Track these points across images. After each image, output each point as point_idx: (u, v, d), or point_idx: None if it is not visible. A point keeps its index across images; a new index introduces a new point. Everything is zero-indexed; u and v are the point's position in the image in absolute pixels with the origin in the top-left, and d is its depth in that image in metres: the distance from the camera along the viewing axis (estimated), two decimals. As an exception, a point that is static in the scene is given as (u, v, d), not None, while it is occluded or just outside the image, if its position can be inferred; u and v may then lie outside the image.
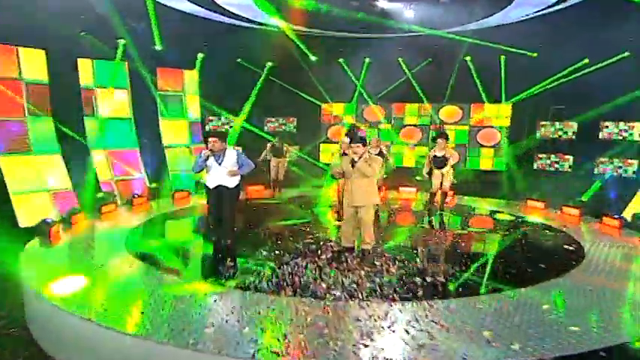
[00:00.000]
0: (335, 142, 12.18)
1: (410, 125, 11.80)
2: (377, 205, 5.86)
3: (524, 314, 4.06)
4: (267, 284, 4.70)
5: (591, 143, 9.47)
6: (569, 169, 10.05)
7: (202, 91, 11.11)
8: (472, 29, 9.50)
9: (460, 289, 4.70)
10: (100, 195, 8.74)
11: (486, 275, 5.17)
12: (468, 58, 10.63)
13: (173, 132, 10.77)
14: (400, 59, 11.23)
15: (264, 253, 5.86)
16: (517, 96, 10.56)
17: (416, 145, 11.78)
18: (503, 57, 10.20)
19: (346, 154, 7.54)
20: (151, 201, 9.27)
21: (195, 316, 3.90)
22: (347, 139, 7.74)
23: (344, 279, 4.86)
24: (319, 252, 5.87)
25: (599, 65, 9.01)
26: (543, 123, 10.46)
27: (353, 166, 5.48)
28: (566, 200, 8.93)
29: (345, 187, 5.74)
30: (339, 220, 7.62)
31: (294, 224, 7.61)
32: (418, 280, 4.92)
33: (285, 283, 4.71)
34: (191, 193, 9.95)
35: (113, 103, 9.60)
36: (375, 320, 3.90)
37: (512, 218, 8.52)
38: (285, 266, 5.26)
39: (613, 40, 8.04)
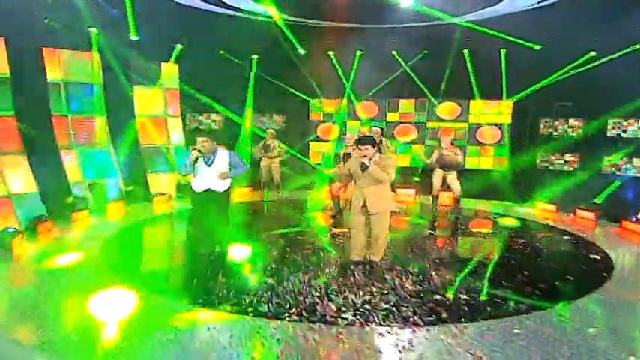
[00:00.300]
0: (325, 141, 11.57)
1: (405, 123, 11.25)
2: (394, 211, 5.21)
3: (571, 340, 3.53)
4: (268, 306, 4.08)
5: (598, 141, 9.06)
6: (575, 169, 9.64)
7: (181, 86, 10.33)
8: (472, 19, 9.03)
9: (488, 308, 4.14)
10: (71, 200, 8.00)
11: (512, 290, 4.61)
12: (466, 52, 10.12)
13: (151, 130, 9.96)
14: (395, 52, 10.66)
15: (259, 266, 5.26)
16: (520, 93, 10.10)
17: (412, 144, 11.23)
18: (504, 50, 9.73)
19: (348, 154, 7.02)
20: (128, 206, 8.57)
21: (186, 351, 3.30)
22: (351, 139, 7.23)
23: (354, 298, 4.30)
24: (321, 265, 5.28)
25: (608, 58, 8.60)
26: (546, 120, 10.03)
27: (363, 170, 4.84)
28: (576, 202, 8.53)
29: (349, 190, 5.12)
30: (335, 227, 7.08)
31: (288, 232, 6.96)
32: (438, 297, 4.38)
33: (287, 305, 4.12)
34: (172, 197, 9.24)
35: (84, 98, 8.75)
36: (401, 351, 3.34)
37: (525, 223, 8.04)
38: (285, 283, 4.67)
39: (624, 31, 7.65)
